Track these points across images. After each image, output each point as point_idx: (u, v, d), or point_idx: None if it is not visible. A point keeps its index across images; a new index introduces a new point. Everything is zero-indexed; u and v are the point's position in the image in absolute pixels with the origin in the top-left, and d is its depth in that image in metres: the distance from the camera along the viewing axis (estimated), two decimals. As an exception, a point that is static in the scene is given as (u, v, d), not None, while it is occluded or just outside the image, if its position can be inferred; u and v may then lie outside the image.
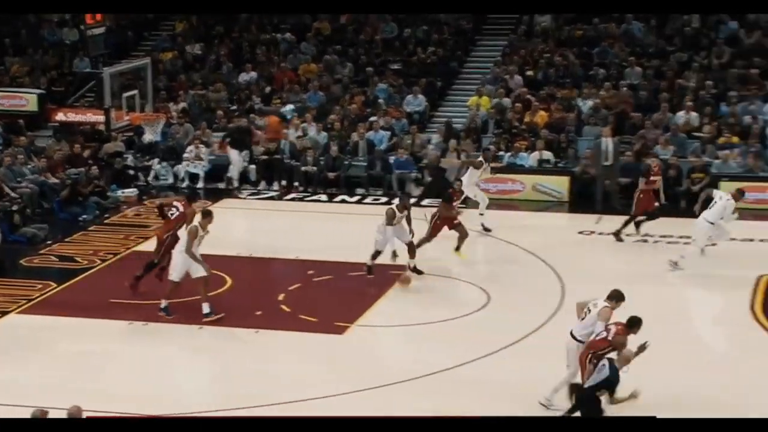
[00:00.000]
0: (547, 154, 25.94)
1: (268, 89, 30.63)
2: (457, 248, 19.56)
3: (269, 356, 15.56)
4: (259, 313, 16.90)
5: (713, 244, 19.48)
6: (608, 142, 24.32)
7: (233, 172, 26.38)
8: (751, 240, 21.14)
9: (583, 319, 13.28)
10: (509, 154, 26.09)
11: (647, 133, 25.95)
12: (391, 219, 18.30)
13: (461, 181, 21.08)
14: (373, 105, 29.16)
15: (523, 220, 23.43)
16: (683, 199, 24.16)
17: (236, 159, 26.36)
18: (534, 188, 25.13)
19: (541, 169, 25.68)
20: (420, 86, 29.51)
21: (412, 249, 18.67)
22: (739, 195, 19.48)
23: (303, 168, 26.44)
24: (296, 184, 26.44)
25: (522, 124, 27.36)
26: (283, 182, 26.44)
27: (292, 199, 25.41)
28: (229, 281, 18.43)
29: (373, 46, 32.01)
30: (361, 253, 19.05)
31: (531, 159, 25.93)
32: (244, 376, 14.81)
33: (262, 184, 26.43)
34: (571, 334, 13.37)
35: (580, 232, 21.97)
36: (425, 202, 23.83)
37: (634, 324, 12.93)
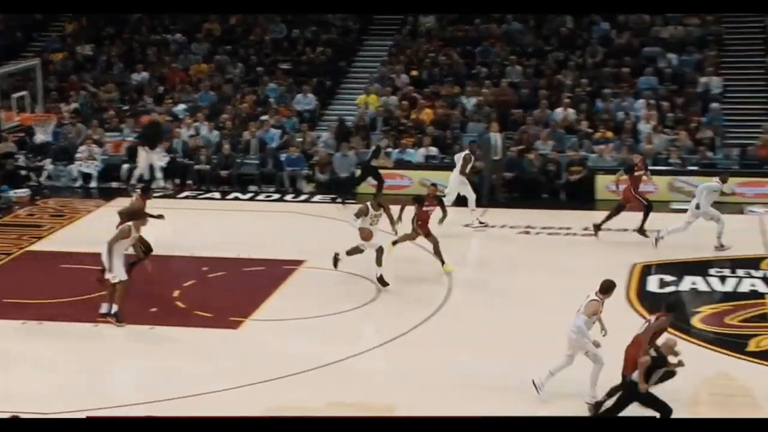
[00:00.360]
0: (434, 150, 26.23)
1: (161, 89, 30.29)
2: (442, 263, 18.52)
3: (165, 353, 15.41)
4: (154, 309, 16.73)
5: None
6: (496, 138, 24.70)
7: (141, 171, 25.94)
8: (626, 230, 21.64)
9: (578, 311, 13.18)
10: (397, 150, 26.31)
11: (528, 129, 26.42)
12: (361, 213, 17.89)
13: (435, 184, 20.27)
14: (264, 104, 29.07)
15: (410, 214, 23.55)
16: (562, 192, 24.71)
17: (144, 158, 25.92)
18: (421, 183, 25.32)
19: (428, 164, 25.94)
20: (310, 85, 29.51)
21: (379, 256, 17.76)
22: (726, 178, 20.36)
23: (196, 166, 26.25)
24: (189, 182, 26.23)
25: (409, 121, 27.59)
26: (176, 180, 26.19)
27: (186, 197, 25.19)
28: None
29: (263, 46, 31.88)
30: (254, 250, 18.97)
31: (418, 155, 26.18)
32: (140, 373, 14.66)
33: (155, 183, 26.14)
34: (570, 327, 13.27)
35: (466, 225, 22.24)
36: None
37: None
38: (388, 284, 17.71)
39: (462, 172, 22.10)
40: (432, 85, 29.08)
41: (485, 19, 31.01)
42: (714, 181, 19.97)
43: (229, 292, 17.84)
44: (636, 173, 21.03)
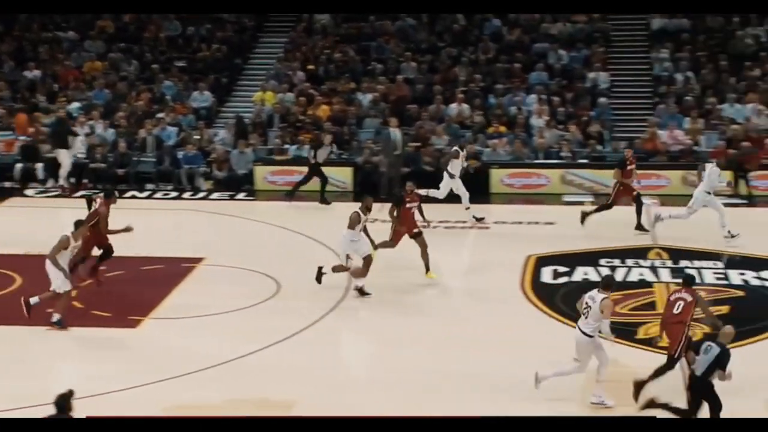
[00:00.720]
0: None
1: (56, 87, 29.63)
2: (426, 269, 17.81)
3: (62, 353, 15.09)
4: (50, 310, 16.35)
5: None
6: (396, 133, 24.79)
7: (67, 169, 25.35)
8: (520, 223, 21.95)
9: (585, 315, 12.81)
10: (295, 146, 26.21)
11: (424, 124, 26.56)
12: (354, 223, 16.93)
13: (412, 182, 18.78)
14: (160, 102, 28.66)
15: (310, 210, 23.56)
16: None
17: (65, 155, 25.32)
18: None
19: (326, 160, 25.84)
20: (206, 83, 29.20)
21: (366, 266, 16.99)
22: (722, 162, 20.98)
23: (92, 165, 25.77)
24: (85, 180, 25.73)
25: (306, 117, 27.49)
26: (72, 179, 25.66)
27: (82, 197, 24.64)
28: (19, 280, 17.78)
29: (158, 44, 31.42)
30: (152, 248, 18.69)
31: (315, 151, 26.08)
32: (39, 374, 14.31)
33: (51, 182, 25.60)
34: (580, 330, 12.93)
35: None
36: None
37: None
38: (369, 294, 17.01)
39: (447, 170, 21.75)
40: (328, 81, 29.02)
41: (379, 16, 31.07)
42: (712, 166, 20.20)
43: (128, 290, 17.55)
44: (629, 167, 20.90)
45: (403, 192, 18.50)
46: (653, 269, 18.39)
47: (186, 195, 24.94)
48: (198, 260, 18.84)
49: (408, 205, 18.00)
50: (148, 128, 26.77)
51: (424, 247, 17.77)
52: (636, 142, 25.72)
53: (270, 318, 16.35)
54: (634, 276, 18.08)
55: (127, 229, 17.63)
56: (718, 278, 17.79)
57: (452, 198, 22.42)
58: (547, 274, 18.33)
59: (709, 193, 19.92)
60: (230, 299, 16.98)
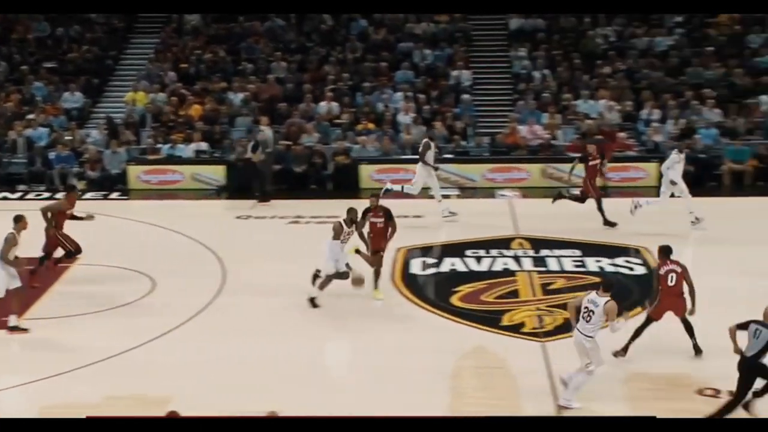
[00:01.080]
0: (204, 145, 25.95)
1: None
2: (375, 286, 16.71)
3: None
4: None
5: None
6: (268, 131, 24.70)
7: None
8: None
9: (588, 320, 12.52)
10: (168, 146, 25.88)
11: (295, 122, 26.53)
12: (337, 234, 16.13)
13: (377, 195, 17.70)
14: (30, 103, 27.92)
15: (185, 208, 23.32)
16: (329, 182, 25.02)
17: None
18: (193, 178, 25.07)
19: (199, 159, 25.64)
20: (77, 84, 28.56)
21: (339, 277, 16.17)
22: (684, 147, 20.96)
23: (-39, 167, 25.02)
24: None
25: (178, 117, 27.16)
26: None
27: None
28: None
29: (26, 44, 30.59)
30: (26, 249, 18.21)
31: (188, 150, 25.83)
32: None
33: None
34: (581, 332, 12.63)
35: (238, 217, 22.17)
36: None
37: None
38: (318, 306, 16.25)
39: (423, 161, 21.36)
40: (200, 81, 28.72)
41: (248, 17, 30.87)
42: (672, 154, 20.48)
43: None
44: (591, 163, 20.70)
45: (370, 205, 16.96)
46: (516, 259, 18.77)
47: (59, 195, 24.31)
48: (73, 260, 18.43)
49: (372, 220, 16.79)
50: (18, 129, 26.06)
51: (378, 265, 16.75)
52: (497, 137, 26.23)
53: (145, 316, 16.13)
54: (498, 266, 18.42)
55: (89, 217, 17.67)
56: (577, 266, 18.27)
57: (327, 194, 22.50)
58: (416, 266, 18.53)
59: (674, 182, 20.21)
60: (105, 298, 16.71)
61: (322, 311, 16.24)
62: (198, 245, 19.63)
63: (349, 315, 16.17)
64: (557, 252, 18.94)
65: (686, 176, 20.50)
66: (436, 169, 21.51)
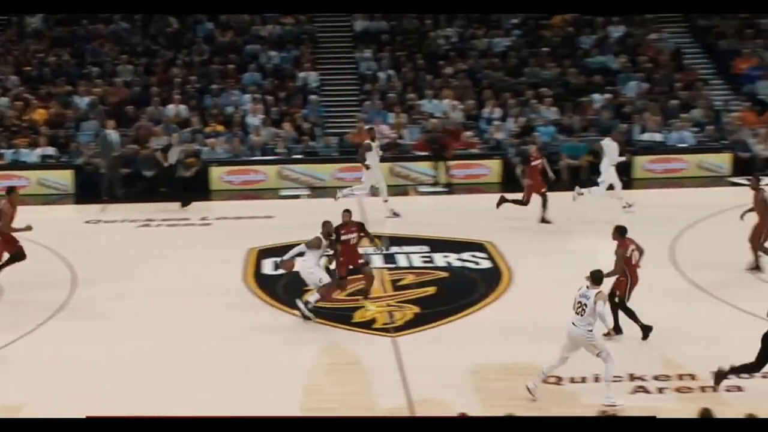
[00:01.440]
0: (50, 150, 25.26)
1: None
2: (365, 296, 16.20)
3: None
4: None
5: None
6: (113, 134, 24.20)
7: None
8: (241, 218, 22.00)
9: (582, 314, 12.46)
10: (12, 151, 25.07)
11: (143, 125, 26.07)
12: (313, 246, 15.59)
13: (349, 210, 16.31)
14: None
15: (32, 213, 22.58)
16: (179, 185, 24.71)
17: None
18: (39, 183, 24.39)
19: (45, 164, 24.94)
20: None
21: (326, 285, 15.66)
22: (618, 135, 21.87)
23: None
24: None
25: (22, 121, 26.32)
26: None
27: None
28: None
29: None
30: None
31: (33, 155, 25.10)
32: None
33: None
34: (579, 327, 12.56)
35: (87, 222, 21.68)
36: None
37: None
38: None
39: (362, 161, 21.05)
40: (44, 85, 27.89)
41: (93, 20, 30.14)
42: (606, 140, 21.25)
43: None
44: (533, 163, 20.70)
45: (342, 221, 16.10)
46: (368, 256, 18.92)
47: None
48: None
49: (344, 238, 15.95)
50: None
51: (370, 279, 16.25)
52: (346, 137, 26.38)
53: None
54: (349, 263, 18.52)
55: (27, 228, 16.90)
56: (425, 261, 18.55)
57: (175, 197, 22.23)
58: (268, 266, 18.49)
59: (612, 165, 21.00)
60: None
61: (177, 313, 16.05)
62: (47, 251, 19.08)
63: (204, 316, 16.00)
64: (406, 249, 19.16)
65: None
66: (368, 168, 21.16)
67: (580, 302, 12.58)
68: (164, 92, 27.56)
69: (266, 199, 23.34)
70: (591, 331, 12.56)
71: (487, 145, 26.17)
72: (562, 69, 28.55)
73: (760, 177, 18.59)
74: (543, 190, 20.69)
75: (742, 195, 23.14)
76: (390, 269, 17.96)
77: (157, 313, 16.05)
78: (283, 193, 24.37)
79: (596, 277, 12.74)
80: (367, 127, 23.46)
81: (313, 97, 27.85)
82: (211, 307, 16.35)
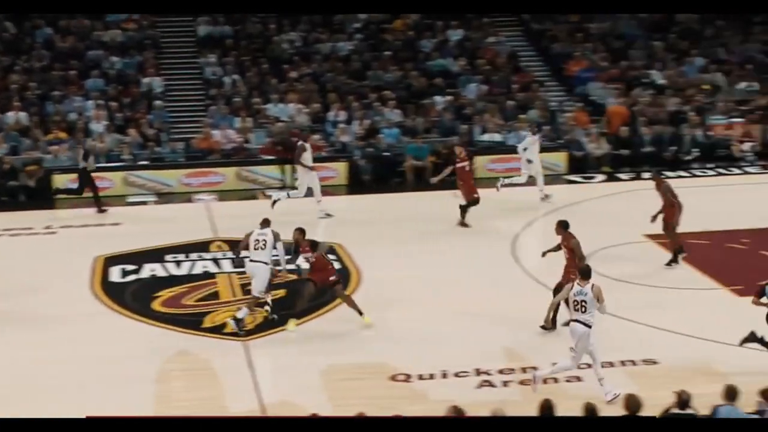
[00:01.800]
0: None
1: None
2: (359, 314, 15.23)
3: None
4: None
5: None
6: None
7: None
8: (87, 226, 21.46)
9: (584, 310, 12.53)
10: None
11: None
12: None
13: (302, 229, 15.43)
14: None
15: None
16: (21, 193, 23.95)
17: None
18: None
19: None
20: None
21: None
22: (536, 128, 22.68)
23: None
24: None
25: None
26: None
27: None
28: None
29: None
30: None
31: None
32: None
33: None
34: (580, 322, 12.60)
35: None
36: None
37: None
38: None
39: (298, 162, 21.09)
40: None
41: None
42: (525, 134, 22.01)
43: None
44: (459, 165, 20.34)
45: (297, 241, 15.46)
46: (215, 261, 18.77)
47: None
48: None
49: (305, 257, 15.39)
50: None
51: (344, 297, 15.50)
52: (192, 142, 26.05)
53: None
54: (198, 269, 18.35)
55: None
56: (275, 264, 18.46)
57: (21, 206, 21.52)
58: (115, 274, 18.11)
59: (530, 161, 21.73)
60: None
61: (22, 321, 15.55)
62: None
63: (51, 325, 15.57)
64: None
65: (374, 173, 21.24)
66: (312, 169, 21.20)
67: (577, 300, 12.68)
68: (3, 99, 26.61)
69: (113, 206, 22.80)
70: (590, 327, 12.64)
71: (334, 148, 26.29)
72: (404, 72, 28.91)
73: (660, 171, 20.01)
74: (473, 193, 20.36)
75: (577, 192, 24.09)
76: (239, 274, 17.81)
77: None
78: (130, 199, 23.90)
79: (585, 272, 12.89)
80: (299, 130, 24.00)
81: (157, 102, 27.37)
82: (59, 317, 15.91)
